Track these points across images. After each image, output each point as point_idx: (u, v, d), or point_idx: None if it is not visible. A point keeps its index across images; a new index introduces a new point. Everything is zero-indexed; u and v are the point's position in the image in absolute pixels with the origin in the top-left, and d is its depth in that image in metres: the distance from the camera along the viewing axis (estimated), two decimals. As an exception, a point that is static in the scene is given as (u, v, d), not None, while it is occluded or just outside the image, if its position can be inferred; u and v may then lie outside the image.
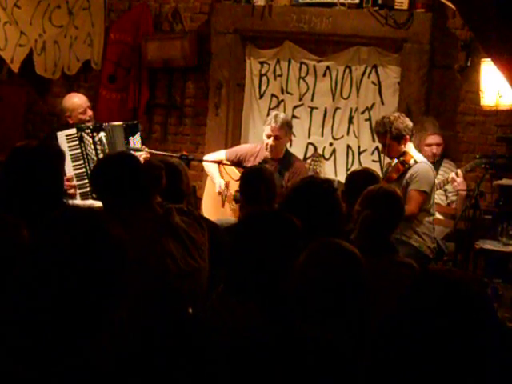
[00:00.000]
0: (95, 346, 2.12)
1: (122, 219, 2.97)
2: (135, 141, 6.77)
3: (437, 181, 6.86)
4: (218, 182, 7.02)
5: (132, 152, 5.92)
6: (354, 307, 2.95)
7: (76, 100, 6.93)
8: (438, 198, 7.19)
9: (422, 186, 6.26)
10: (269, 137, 6.82)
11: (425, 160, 6.54)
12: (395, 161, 6.44)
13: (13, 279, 2.21)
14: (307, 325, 2.83)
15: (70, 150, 6.53)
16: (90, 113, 6.87)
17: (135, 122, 7.14)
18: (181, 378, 2.51)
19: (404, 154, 6.37)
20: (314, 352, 2.28)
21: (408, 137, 6.38)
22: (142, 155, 6.53)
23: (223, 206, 6.99)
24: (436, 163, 7.31)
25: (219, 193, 6.95)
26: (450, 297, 2.10)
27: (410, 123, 6.43)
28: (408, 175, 6.28)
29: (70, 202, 5.87)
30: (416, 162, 6.33)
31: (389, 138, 6.36)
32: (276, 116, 6.91)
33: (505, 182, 7.23)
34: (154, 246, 3.71)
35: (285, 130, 6.86)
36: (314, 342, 2.31)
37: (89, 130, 6.61)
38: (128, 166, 4.01)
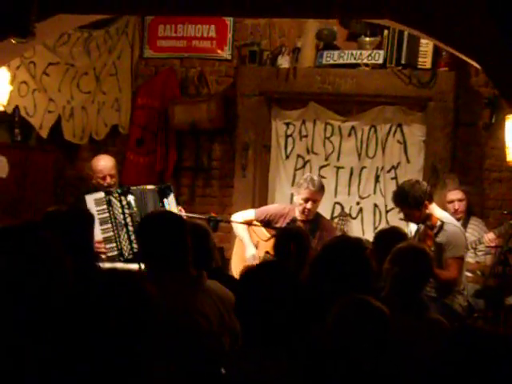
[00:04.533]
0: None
1: (159, 280, 3.02)
2: (170, 203, 6.76)
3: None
4: (249, 251, 6.97)
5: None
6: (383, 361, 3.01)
7: (100, 164, 6.99)
8: (467, 255, 7.12)
9: (458, 252, 6.22)
10: (306, 200, 6.76)
11: (451, 218, 6.49)
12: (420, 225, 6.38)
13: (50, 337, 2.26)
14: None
15: (98, 214, 6.58)
16: (109, 180, 6.85)
17: (167, 184, 7.15)
18: None
19: (428, 217, 6.29)
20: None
21: (427, 202, 6.24)
22: None
23: (252, 266, 6.96)
24: (463, 222, 7.29)
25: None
26: (483, 353, 2.12)
27: (425, 188, 6.29)
28: (441, 240, 6.19)
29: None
30: (443, 222, 6.28)
31: (407, 208, 6.32)
32: (312, 180, 6.86)
33: (534, 237, 7.18)
34: (188, 306, 3.72)
35: (322, 193, 6.88)
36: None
37: (117, 194, 6.66)
38: (176, 228, 3.99)
